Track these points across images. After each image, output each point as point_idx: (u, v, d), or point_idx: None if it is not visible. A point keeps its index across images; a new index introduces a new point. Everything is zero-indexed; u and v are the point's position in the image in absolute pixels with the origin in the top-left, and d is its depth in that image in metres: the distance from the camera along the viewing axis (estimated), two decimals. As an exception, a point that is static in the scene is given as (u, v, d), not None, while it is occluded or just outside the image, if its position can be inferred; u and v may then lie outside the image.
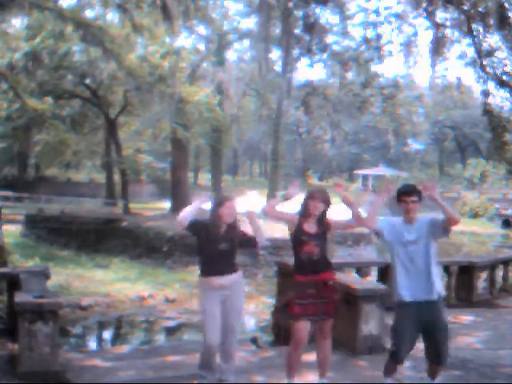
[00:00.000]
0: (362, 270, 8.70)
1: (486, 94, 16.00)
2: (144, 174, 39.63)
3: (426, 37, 50.16)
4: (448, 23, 15.74)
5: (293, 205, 5.18)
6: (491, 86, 15.73)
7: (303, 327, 4.95)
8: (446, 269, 9.53)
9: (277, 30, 23.34)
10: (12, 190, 31.80)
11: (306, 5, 18.06)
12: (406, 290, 4.80)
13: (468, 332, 7.61)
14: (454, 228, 4.90)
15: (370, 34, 24.65)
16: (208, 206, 5.25)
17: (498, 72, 15.24)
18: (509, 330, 7.88)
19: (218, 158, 32.52)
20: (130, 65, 20.46)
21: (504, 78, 15.21)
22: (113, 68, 22.94)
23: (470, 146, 59.99)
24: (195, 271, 5.62)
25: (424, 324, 4.77)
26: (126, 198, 28.08)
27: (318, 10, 19.78)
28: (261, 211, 5.08)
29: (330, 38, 27.29)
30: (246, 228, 5.27)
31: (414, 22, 19.68)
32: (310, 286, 4.94)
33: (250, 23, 38.52)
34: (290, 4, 19.02)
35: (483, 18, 14.38)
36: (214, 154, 32.44)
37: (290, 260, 5.72)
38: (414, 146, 61.40)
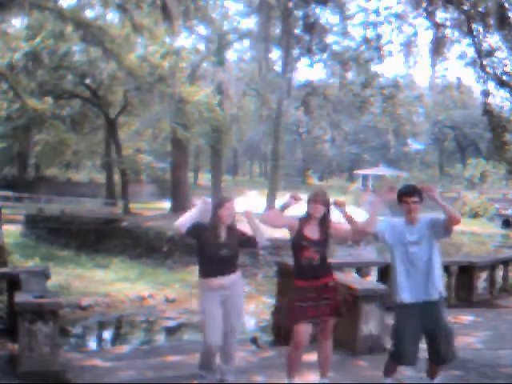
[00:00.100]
0: (362, 269, 8.70)
1: (486, 93, 16.00)
2: (144, 174, 39.62)
3: (426, 37, 50.22)
4: (448, 23, 15.75)
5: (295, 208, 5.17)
6: (491, 86, 15.75)
7: (303, 330, 4.92)
8: (446, 269, 9.53)
9: (277, 30, 23.34)
10: (12, 189, 31.78)
11: (305, 5, 18.07)
12: (406, 290, 4.79)
13: (468, 332, 7.61)
14: (454, 228, 4.90)
15: (370, 34, 24.68)
16: (209, 209, 5.23)
17: (498, 72, 15.24)
18: (509, 330, 7.88)
19: (218, 158, 32.47)
20: (130, 65, 20.47)
21: (504, 77, 15.22)
22: (113, 68, 22.96)
23: (470, 146, 59.98)
24: (195, 271, 5.61)
25: (425, 324, 4.77)
26: (126, 198, 28.09)
27: (318, 10, 19.82)
28: (260, 220, 5.05)
29: (330, 38, 27.26)
30: (245, 228, 5.27)
31: (414, 22, 19.73)
32: (310, 290, 4.93)
33: (250, 23, 38.63)
34: (290, 4, 19.04)
35: (483, 18, 14.38)
36: (214, 154, 32.39)
37: (289, 260, 5.71)
38: (414, 145, 61.39)
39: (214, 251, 5.04)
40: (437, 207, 4.74)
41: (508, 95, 15.87)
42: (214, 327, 5.03)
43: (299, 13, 19.46)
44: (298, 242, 4.95)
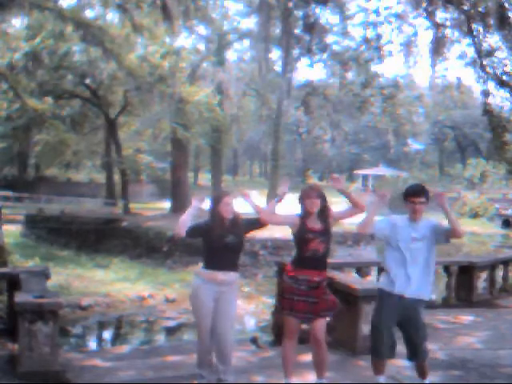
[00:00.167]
0: (361, 269, 8.69)
1: (486, 94, 16.00)
2: (144, 174, 39.63)
3: (426, 37, 50.22)
4: (448, 23, 15.74)
5: (291, 205, 5.20)
6: (491, 86, 15.74)
7: (292, 321, 5.03)
8: (446, 269, 9.54)
9: (277, 30, 23.33)
10: (12, 189, 31.82)
11: (306, 5, 18.06)
12: (393, 282, 4.80)
13: (468, 332, 7.61)
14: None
15: (370, 34, 24.67)
16: (207, 205, 5.24)
17: (498, 72, 15.24)
18: (509, 330, 7.87)
19: (218, 158, 32.50)
20: (130, 65, 20.47)
21: (504, 77, 15.21)
22: (113, 68, 22.95)
23: (470, 145, 59.99)
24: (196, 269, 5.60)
25: (401, 320, 4.80)
26: (126, 198, 28.09)
27: (318, 10, 19.79)
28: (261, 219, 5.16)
29: (330, 38, 27.29)
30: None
31: (414, 22, 19.71)
32: (301, 282, 4.95)
33: (250, 23, 38.58)
34: (290, 4, 19.02)
35: (483, 18, 14.38)
36: (214, 154, 32.42)
37: (289, 260, 5.71)
38: (414, 145, 61.39)
39: (219, 239, 5.03)
40: (437, 208, 4.75)
41: (508, 95, 15.87)
42: (207, 322, 5.08)
43: (299, 13, 19.45)
44: (303, 236, 4.98)
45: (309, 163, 62.72)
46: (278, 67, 29.71)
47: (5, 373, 5.62)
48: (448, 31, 16.05)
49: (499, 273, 10.70)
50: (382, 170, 50.42)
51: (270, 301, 11.48)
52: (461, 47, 28.00)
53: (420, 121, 59.27)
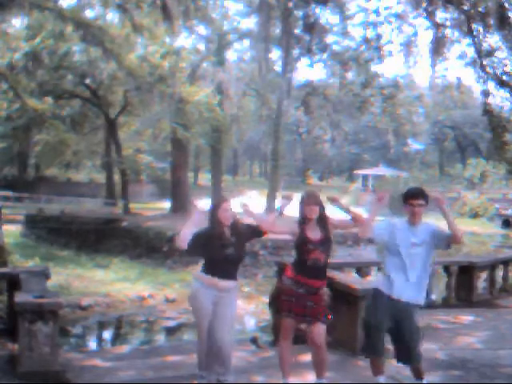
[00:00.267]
0: (361, 269, 8.69)
1: (486, 94, 16.01)
2: (144, 174, 39.63)
3: (426, 37, 50.21)
4: (448, 23, 15.76)
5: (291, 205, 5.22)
6: (491, 86, 15.76)
7: (288, 322, 5.06)
8: (446, 269, 9.54)
9: (277, 30, 23.35)
10: (12, 189, 31.82)
11: (306, 5, 18.08)
12: (391, 286, 4.80)
13: (468, 332, 7.61)
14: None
15: (370, 34, 24.70)
16: (206, 212, 5.22)
17: (498, 72, 15.25)
18: (509, 330, 7.88)
19: (218, 158, 32.46)
20: (130, 65, 20.46)
21: (504, 78, 15.22)
22: (113, 68, 22.96)
23: (470, 146, 59.96)
24: (195, 271, 5.60)
25: (395, 323, 4.79)
26: (126, 198, 28.09)
27: (318, 10, 19.84)
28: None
29: (330, 38, 27.27)
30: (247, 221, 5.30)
31: (414, 22, 19.76)
32: (301, 285, 4.97)
33: (250, 23, 38.59)
34: (290, 4, 19.05)
35: (483, 18, 14.38)
36: (214, 154, 32.38)
37: (289, 260, 5.72)
38: (414, 145, 61.34)
39: (219, 252, 5.02)
40: (437, 209, 4.74)
41: (508, 95, 15.89)
42: (206, 323, 5.07)
43: (299, 13, 19.48)
44: (303, 245, 5.01)
45: (309, 163, 62.70)
46: (277, 67, 29.69)
47: (5, 373, 5.62)
48: (448, 31, 16.07)
49: (499, 273, 10.71)
50: (382, 170, 50.40)
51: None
52: (461, 47, 28.08)
53: (420, 121, 59.22)
